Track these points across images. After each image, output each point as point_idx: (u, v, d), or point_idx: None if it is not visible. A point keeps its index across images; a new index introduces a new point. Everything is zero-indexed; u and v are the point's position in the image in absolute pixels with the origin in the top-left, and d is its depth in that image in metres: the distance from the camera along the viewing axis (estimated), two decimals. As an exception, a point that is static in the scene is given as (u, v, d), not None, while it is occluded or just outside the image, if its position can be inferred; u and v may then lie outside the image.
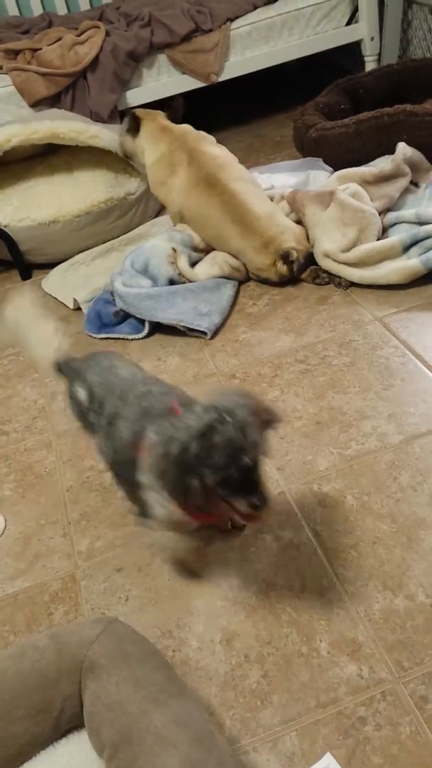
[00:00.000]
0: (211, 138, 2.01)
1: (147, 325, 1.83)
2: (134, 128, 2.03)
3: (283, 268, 1.80)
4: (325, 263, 1.83)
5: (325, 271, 1.83)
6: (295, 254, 1.79)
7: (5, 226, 2.13)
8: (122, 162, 2.28)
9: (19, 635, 1.18)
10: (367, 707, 0.98)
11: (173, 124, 2.02)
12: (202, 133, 2.00)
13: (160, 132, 1.99)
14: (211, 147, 1.96)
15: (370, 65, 2.70)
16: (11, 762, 0.89)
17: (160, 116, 2.04)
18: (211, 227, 1.90)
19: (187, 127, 2.01)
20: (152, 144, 2.00)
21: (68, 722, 0.93)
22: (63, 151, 2.41)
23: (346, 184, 1.91)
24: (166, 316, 1.79)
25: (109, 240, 2.25)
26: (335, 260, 1.81)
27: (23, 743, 0.90)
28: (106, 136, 2.19)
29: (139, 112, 2.06)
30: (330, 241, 1.81)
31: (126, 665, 0.91)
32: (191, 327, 1.77)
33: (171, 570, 1.23)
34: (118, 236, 2.27)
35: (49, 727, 0.91)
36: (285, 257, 1.79)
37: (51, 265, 2.21)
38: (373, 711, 0.97)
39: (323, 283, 1.83)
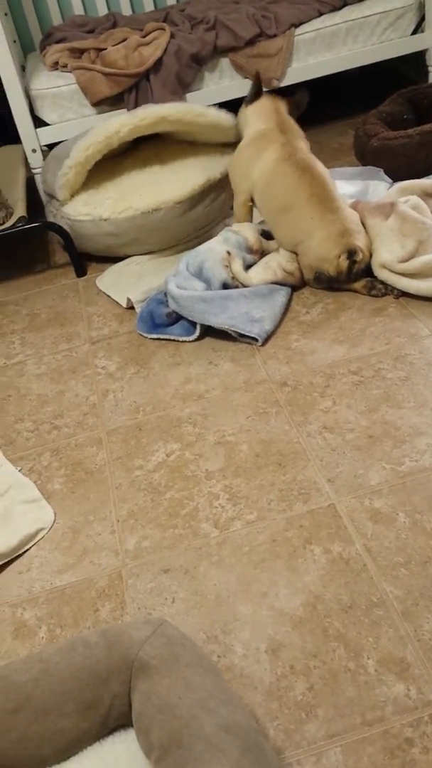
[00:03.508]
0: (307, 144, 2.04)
1: (198, 328, 1.84)
2: (253, 96, 2.04)
3: (344, 263, 1.79)
4: (382, 274, 1.81)
5: (382, 283, 1.82)
6: (360, 256, 1.79)
7: (106, 219, 2.13)
8: (213, 145, 2.31)
9: (65, 629, 1.20)
10: (414, 729, 0.97)
11: (285, 113, 2.02)
12: (303, 135, 2.02)
13: (271, 112, 2.01)
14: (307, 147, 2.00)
15: (434, 76, 2.67)
16: (60, 755, 0.91)
17: (281, 102, 2.04)
18: (288, 201, 1.88)
19: (294, 123, 2.02)
20: (257, 119, 2.01)
21: (116, 720, 0.94)
22: (149, 144, 2.43)
23: (407, 197, 1.89)
24: (218, 321, 1.79)
25: (204, 225, 2.26)
26: (392, 270, 1.80)
27: (72, 738, 0.91)
28: (210, 112, 2.21)
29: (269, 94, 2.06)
30: (388, 252, 1.79)
31: (176, 668, 0.91)
32: (242, 333, 1.77)
33: (218, 575, 1.23)
34: (213, 220, 2.27)
35: (97, 723, 0.92)
36: (351, 254, 1.78)
37: (112, 261, 2.24)
38: (421, 733, 0.96)
39: (379, 295, 1.81)
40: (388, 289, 1.82)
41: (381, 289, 1.82)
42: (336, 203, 1.84)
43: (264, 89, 2.11)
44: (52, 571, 1.31)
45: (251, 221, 2.12)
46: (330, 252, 1.80)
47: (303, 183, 1.86)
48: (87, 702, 0.92)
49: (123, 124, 2.15)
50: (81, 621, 1.21)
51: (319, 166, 1.92)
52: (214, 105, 2.56)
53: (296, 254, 1.93)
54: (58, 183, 2.20)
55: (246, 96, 2.08)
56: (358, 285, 1.84)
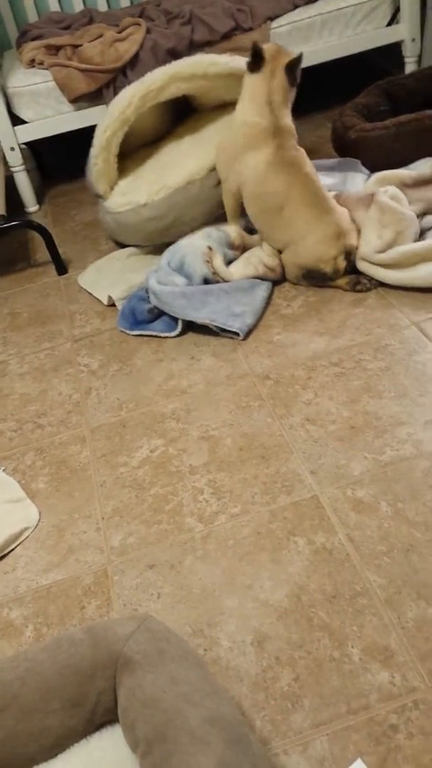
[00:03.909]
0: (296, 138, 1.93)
1: (180, 323, 1.84)
2: (254, 64, 1.86)
3: (343, 263, 1.80)
4: (361, 265, 1.82)
5: (366, 278, 1.81)
6: (355, 254, 1.80)
7: (144, 205, 2.06)
8: None
9: (52, 627, 1.20)
10: (399, 715, 0.98)
11: (279, 104, 1.85)
12: (294, 130, 1.90)
13: (265, 105, 1.85)
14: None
15: (410, 67, 2.67)
16: (46, 753, 0.91)
17: (278, 79, 1.84)
18: (279, 202, 1.83)
19: (286, 119, 1.88)
20: (249, 105, 1.87)
21: (102, 716, 0.94)
22: (186, 121, 2.37)
23: (385, 187, 1.90)
24: (199, 315, 1.79)
25: None
26: (369, 261, 1.80)
27: (58, 735, 0.91)
28: (222, 59, 2.08)
29: (268, 49, 1.86)
30: (365, 243, 1.80)
31: (161, 662, 0.92)
32: (224, 327, 1.77)
33: (203, 569, 1.23)
34: None
35: (84, 720, 0.93)
36: (348, 254, 1.79)
37: (93, 258, 2.23)
38: (405, 719, 0.97)
39: (364, 290, 1.81)
40: (372, 284, 1.81)
41: (366, 284, 1.82)
42: (328, 203, 1.81)
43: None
44: (37, 570, 1.31)
45: (240, 213, 2.06)
46: (327, 253, 1.80)
47: (294, 185, 1.81)
48: (73, 699, 0.93)
49: (133, 94, 2.05)
50: (67, 619, 1.21)
51: (308, 165, 1.86)
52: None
53: (279, 252, 1.92)
54: (92, 177, 2.14)
55: (248, 60, 1.89)
56: (342, 281, 1.84)
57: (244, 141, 1.89)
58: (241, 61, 2.07)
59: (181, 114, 2.40)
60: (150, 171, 2.20)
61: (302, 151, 1.88)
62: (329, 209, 1.81)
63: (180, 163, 2.13)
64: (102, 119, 2.11)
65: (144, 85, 2.07)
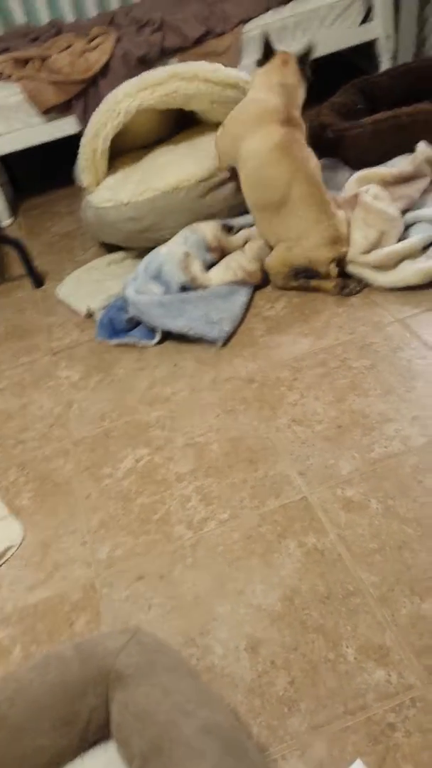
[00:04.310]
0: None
1: (159, 332, 1.82)
2: (263, 58, 1.88)
3: (335, 270, 1.77)
4: (348, 267, 1.81)
5: (355, 281, 1.79)
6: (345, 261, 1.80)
7: (126, 204, 2.04)
8: None
9: (41, 645, 1.18)
10: (396, 714, 0.96)
11: (294, 90, 1.87)
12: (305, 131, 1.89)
13: (278, 85, 1.84)
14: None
15: (385, 64, 2.68)
16: (40, 774, 0.88)
17: (291, 69, 1.86)
18: (278, 197, 1.78)
19: (296, 109, 1.88)
20: (261, 87, 1.86)
21: (95, 734, 0.92)
22: (188, 130, 2.35)
23: (366, 186, 1.89)
24: (177, 324, 1.77)
25: (224, 208, 2.10)
26: (356, 263, 1.79)
27: (51, 755, 0.89)
28: (224, 69, 2.06)
29: (279, 52, 1.89)
30: (351, 244, 1.79)
31: (153, 675, 0.90)
32: (201, 336, 1.75)
33: (193, 577, 1.21)
34: (230, 205, 2.11)
35: (76, 738, 0.90)
36: (340, 261, 1.78)
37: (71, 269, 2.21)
38: (403, 717, 0.96)
39: (353, 293, 1.78)
40: (360, 286, 1.79)
41: (355, 288, 1.79)
42: (330, 207, 1.78)
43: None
44: (23, 588, 1.28)
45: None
46: (324, 255, 1.77)
47: (298, 178, 1.76)
48: (64, 718, 0.90)
49: (129, 88, 2.02)
50: (56, 636, 1.18)
51: (314, 165, 1.81)
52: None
53: (270, 248, 1.89)
54: (79, 168, 2.12)
55: (258, 55, 1.91)
56: (329, 285, 1.81)
57: (253, 118, 1.83)
58: (242, 74, 2.10)
59: (183, 124, 2.39)
60: (140, 171, 2.18)
61: (312, 153, 1.84)
62: (330, 214, 1.78)
63: (171, 168, 2.12)
64: (96, 110, 2.09)
65: (142, 80, 2.04)
